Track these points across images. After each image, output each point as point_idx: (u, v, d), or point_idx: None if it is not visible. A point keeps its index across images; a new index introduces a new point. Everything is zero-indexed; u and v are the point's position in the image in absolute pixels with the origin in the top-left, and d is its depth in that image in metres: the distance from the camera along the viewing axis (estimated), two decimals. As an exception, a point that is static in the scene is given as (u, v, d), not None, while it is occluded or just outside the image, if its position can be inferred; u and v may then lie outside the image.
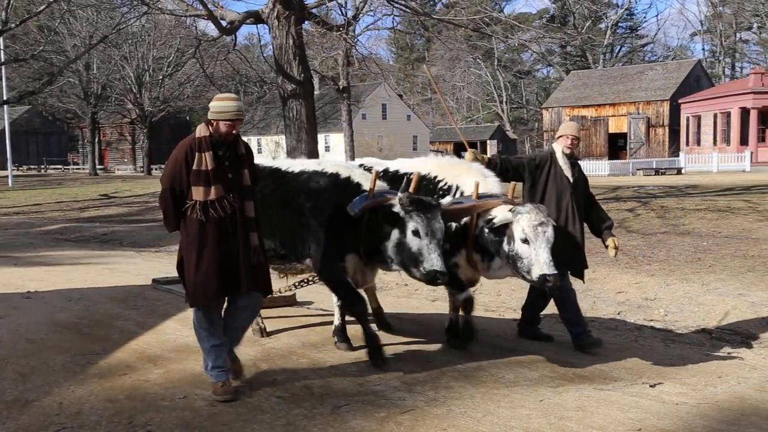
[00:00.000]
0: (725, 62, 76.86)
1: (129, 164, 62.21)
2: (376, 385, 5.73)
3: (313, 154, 18.03)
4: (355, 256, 6.08)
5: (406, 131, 70.76)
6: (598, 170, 46.38)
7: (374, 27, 45.53)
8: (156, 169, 57.58)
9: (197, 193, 4.91)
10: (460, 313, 6.83)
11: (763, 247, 12.96)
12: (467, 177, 6.37)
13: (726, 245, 13.49)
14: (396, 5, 24.02)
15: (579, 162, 7.35)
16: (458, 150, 71.25)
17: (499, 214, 5.91)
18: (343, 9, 30.84)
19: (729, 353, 7.36)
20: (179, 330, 7.48)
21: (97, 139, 58.64)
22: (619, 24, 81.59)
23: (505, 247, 5.94)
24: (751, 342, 8.15)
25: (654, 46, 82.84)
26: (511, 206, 6.01)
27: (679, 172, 43.86)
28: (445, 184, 6.58)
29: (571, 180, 6.93)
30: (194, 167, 4.89)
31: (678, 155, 50.08)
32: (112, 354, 6.51)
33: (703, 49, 79.52)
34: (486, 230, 6.03)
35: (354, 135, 48.16)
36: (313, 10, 19.98)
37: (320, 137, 22.30)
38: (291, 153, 18.06)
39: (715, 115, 49.76)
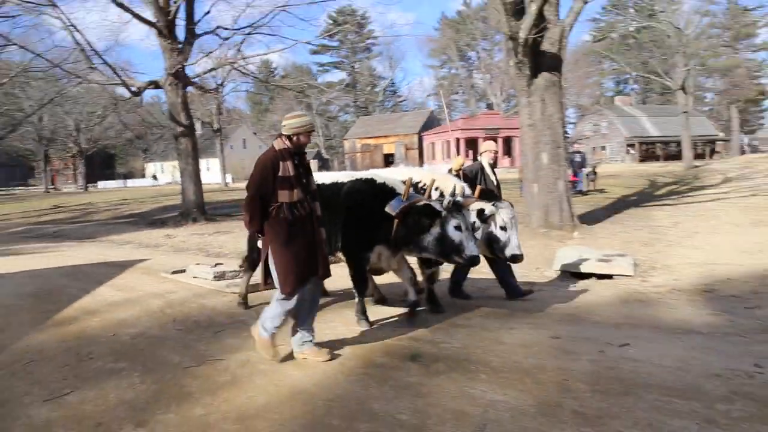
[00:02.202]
0: (446, 111, 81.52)
1: (72, 184, 57.71)
2: (242, 317, 5.45)
3: (197, 174, 17.95)
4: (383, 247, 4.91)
5: (259, 156, 69.72)
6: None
7: (236, 90, 45.16)
8: (91, 188, 54.16)
9: (283, 196, 4.00)
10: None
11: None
12: (447, 182, 5.49)
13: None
14: (248, 76, 24.29)
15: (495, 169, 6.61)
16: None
17: (486, 207, 5.25)
18: (214, 79, 30.63)
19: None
20: (110, 292, 6.94)
21: (48, 168, 54.15)
22: (387, 89, 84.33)
23: (485, 231, 5.31)
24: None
25: (407, 101, 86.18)
26: (480, 202, 5.32)
27: (422, 175, 45.94)
28: (424, 186, 5.29)
29: (495, 182, 6.38)
30: (280, 174, 4.00)
31: (423, 166, 52.58)
32: (63, 311, 6.02)
33: (435, 104, 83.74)
34: (476, 220, 5.19)
35: (225, 160, 47.49)
36: (195, 80, 19.82)
37: (202, 162, 22.02)
38: (182, 173, 17.94)
39: (442, 142, 52.50)
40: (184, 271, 7.91)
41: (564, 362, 3.88)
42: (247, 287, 5.95)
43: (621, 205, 15.61)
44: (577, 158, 19.93)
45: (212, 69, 20.76)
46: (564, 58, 10.71)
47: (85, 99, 47.11)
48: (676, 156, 47.05)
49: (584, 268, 7.34)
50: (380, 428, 3.05)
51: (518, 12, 10.26)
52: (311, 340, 4.22)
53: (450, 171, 6.35)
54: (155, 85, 18.19)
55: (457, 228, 4.51)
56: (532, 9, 9.67)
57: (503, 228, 5.22)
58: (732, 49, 61.50)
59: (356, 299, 5.10)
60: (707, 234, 10.22)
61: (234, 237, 13.63)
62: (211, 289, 6.89)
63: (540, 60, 10.29)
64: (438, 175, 5.72)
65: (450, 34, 73.36)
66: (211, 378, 3.91)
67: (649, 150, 52.72)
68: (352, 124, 74.55)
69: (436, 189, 5.38)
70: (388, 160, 61.81)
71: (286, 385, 3.72)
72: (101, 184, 62.21)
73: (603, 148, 53.70)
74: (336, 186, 5.14)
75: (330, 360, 4.11)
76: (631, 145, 51.63)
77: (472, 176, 6.23)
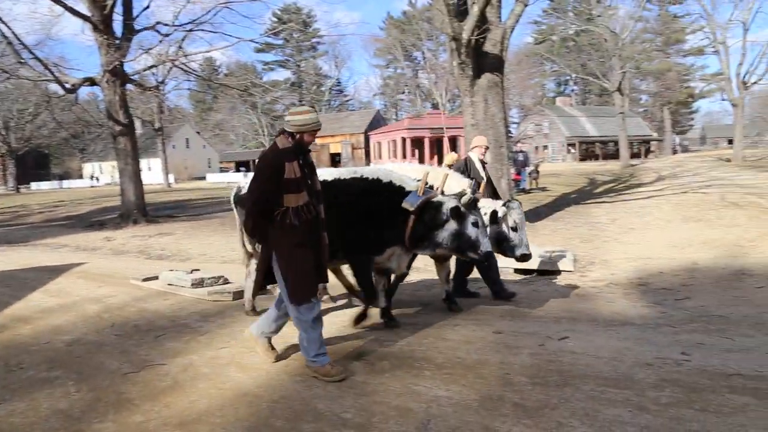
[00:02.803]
0: (392, 111, 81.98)
1: (2, 185, 54.77)
2: (184, 320, 5.34)
3: (137, 174, 17.43)
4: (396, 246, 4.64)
5: (203, 156, 68.01)
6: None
7: (178, 88, 43.98)
8: (24, 189, 51.49)
9: (289, 200, 3.65)
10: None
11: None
12: (451, 180, 4.98)
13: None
14: (190, 74, 23.65)
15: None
16: (238, 167, 70.31)
17: (498, 207, 5.22)
18: (154, 76, 29.73)
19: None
20: (42, 298, 6.64)
21: (-22, 168, 51.51)
22: (333, 88, 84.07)
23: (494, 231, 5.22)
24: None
25: (353, 100, 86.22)
26: (490, 201, 5.38)
27: (369, 174, 46.14)
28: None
29: (484, 177, 6.21)
30: (286, 176, 3.63)
31: (369, 165, 52.76)
32: (-8, 320, 5.63)
33: (381, 103, 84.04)
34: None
35: (168, 160, 46.16)
36: (134, 77, 19.18)
37: (144, 162, 21.30)
38: (122, 173, 17.38)
39: (389, 141, 52.79)
40: (156, 277, 7.30)
41: (506, 356, 3.98)
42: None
43: (562, 202, 16.10)
44: (520, 157, 20.46)
45: (152, 66, 20.15)
46: (506, 59, 10.97)
47: (15, 96, 44.87)
48: (614, 155, 48.90)
49: (526, 265, 7.52)
50: (325, 428, 3.05)
51: (461, 13, 10.43)
52: (269, 338, 4.10)
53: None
54: (91, 82, 17.51)
55: (474, 224, 4.41)
56: (474, 11, 9.85)
57: (514, 228, 5.16)
58: (663, 54, 64.36)
59: (360, 308, 4.80)
60: (642, 230, 10.69)
61: (176, 239, 13.30)
62: (191, 298, 6.38)
63: (482, 61, 10.49)
64: (443, 171, 5.34)
65: (395, 34, 73.85)
66: (152, 383, 3.80)
67: (588, 149, 54.57)
68: (298, 123, 73.74)
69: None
70: (335, 160, 61.65)
71: (230, 388, 3.66)
72: (34, 185, 59.34)
73: (545, 147, 55.28)
74: (339, 183, 4.77)
75: (275, 362, 4.02)
76: (572, 145, 53.31)
77: (461, 171, 6.06)
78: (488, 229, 5.04)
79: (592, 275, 7.49)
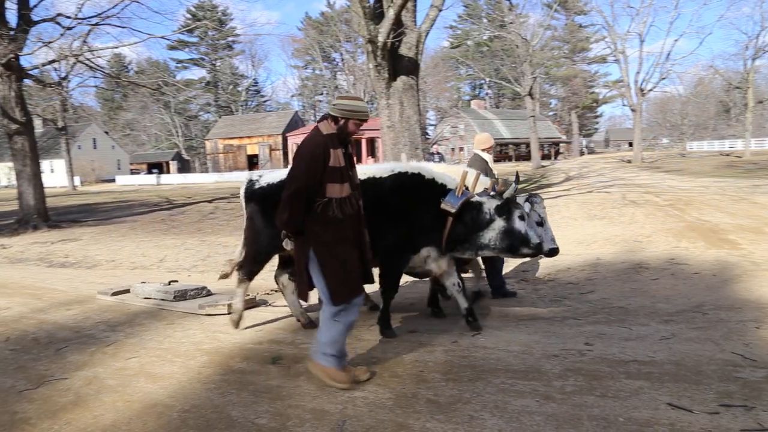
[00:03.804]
0: (311, 112, 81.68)
1: None
2: (89, 330, 5.07)
3: (37, 176, 16.32)
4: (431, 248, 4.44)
5: (113, 157, 64.66)
6: (241, 178, 46.37)
7: (83, 85, 41.56)
8: None
9: (332, 190, 3.36)
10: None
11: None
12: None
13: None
14: (97, 70, 22.39)
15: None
16: (150, 169, 67.47)
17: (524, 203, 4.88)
18: (57, 72, 27.95)
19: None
20: None
21: None
22: (250, 88, 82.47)
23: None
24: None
25: (270, 101, 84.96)
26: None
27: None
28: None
29: (495, 174, 5.83)
30: (330, 164, 3.34)
31: (288, 166, 52.18)
32: None
33: (299, 104, 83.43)
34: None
35: (72, 161, 43.58)
36: (33, 72, 17.96)
37: (46, 163, 19.88)
38: (19, 175, 16.23)
39: (308, 143, 52.57)
40: (127, 291, 6.55)
41: (420, 354, 4.05)
42: (243, 303, 4.92)
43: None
44: (436, 159, 20.85)
45: (53, 61, 18.91)
46: (421, 63, 11.17)
47: None
48: (526, 156, 50.99)
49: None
50: (238, 435, 2.99)
51: (378, 16, 10.53)
52: (343, 355, 3.60)
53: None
54: (-18, 76, 16.23)
55: (521, 218, 4.21)
56: (390, 14, 9.98)
57: (540, 223, 4.87)
58: (570, 61, 68.00)
59: (381, 307, 4.60)
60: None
61: (82, 245, 12.58)
62: (175, 312, 5.76)
63: (398, 64, 10.64)
64: (472, 171, 5.05)
65: (314, 35, 73.49)
66: (51, 400, 3.57)
67: (502, 151, 56.59)
68: (213, 123, 71.92)
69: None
70: (252, 161, 60.53)
71: (138, 399, 3.51)
72: None
73: (461, 149, 56.75)
74: (376, 181, 4.46)
75: (351, 387, 3.48)
76: (487, 147, 55.01)
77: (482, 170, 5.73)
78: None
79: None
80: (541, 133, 47.69)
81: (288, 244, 3.55)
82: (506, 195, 4.23)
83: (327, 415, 3.15)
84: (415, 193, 4.38)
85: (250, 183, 4.93)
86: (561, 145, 64.84)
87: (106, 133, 66.71)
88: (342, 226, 3.40)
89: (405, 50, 10.70)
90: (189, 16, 66.82)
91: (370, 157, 48.91)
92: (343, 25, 65.34)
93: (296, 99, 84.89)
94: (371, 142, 48.72)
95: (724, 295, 5.61)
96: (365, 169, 4.51)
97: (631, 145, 52.89)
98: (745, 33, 64.14)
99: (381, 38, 10.03)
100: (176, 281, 6.75)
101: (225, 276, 5.12)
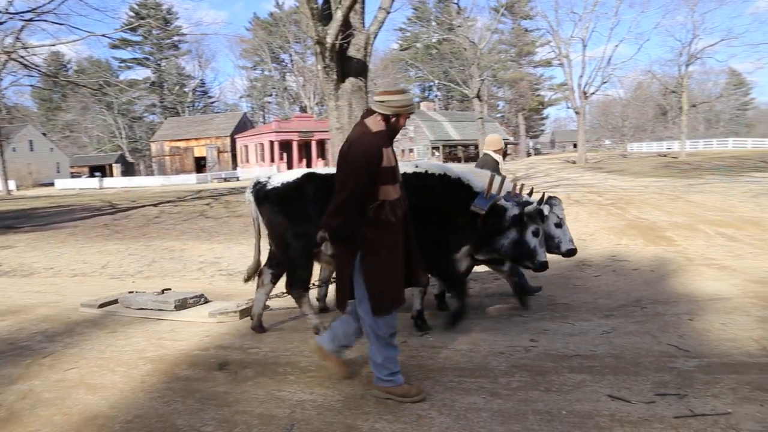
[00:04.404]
0: (260, 114, 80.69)
1: None
2: (25, 341, 4.84)
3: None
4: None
5: (51, 160, 62.09)
6: (189, 181, 45.54)
7: (17, 84, 39.66)
8: None
9: (386, 192, 3.13)
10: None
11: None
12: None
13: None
14: (33, 69, 21.44)
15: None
16: (92, 172, 65.10)
17: (544, 207, 4.82)
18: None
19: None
20: None
21: None
22: (197, 89, 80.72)
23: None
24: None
25: (218, 102, 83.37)
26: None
27: (237, 179, 44.91)
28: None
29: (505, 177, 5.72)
30: (384, 164, 3.11)
31: (236, 169, 51.40)
32: None
33: (248, 105, 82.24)
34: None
35: (6, 164, 41.58)
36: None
37: (-24, 164, 18.85)
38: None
39: (256, 145, 51.76)
40: (115, 301, 6.09)
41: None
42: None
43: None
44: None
45: (-18, 59, 18.07)
46: (370, 64, 11.20)
47: None
48: (474, 158, 51.66)
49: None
50: (183, 444, 2.93)
51: (326, 17, 10.48)
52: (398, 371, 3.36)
53: None
54: None
55: (535, 234, 4.29)
56: (338, 16, 9.96)
57: (558, 225, 4.89)
58: (517, 64, 69.49)
59: (456, 304, 4.60)
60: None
61: (18, 252, 12.03)
62: (120, 319, 5.54)
63: (347, 65, 10.63)
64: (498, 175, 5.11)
65: (263, 36, 72.57)
66: (-19, 416, 3.40)
67: (451, 152, 57.29)
68: (159, 125, 70.04)
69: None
70: (200, 164, 59.34)
71: (78, 412, 3.38)
72: None
73: (411, 150, 57.14)
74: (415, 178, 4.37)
75: (424, 399, 3.29)
76: (436, 148, 55.62)
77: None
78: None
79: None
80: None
81: (328, 249, 3.33)
82: (527, 210, 4.28)
83: (275, 420, 3.12)
84: (448, 194, 4.39)
85: (261, 185, 4.68)
86: (508, 146, 66.20)
87: (44, 134, 64.01)
88: (394, 230, 3.19)
89: (353, 52, 10.69)
90: (132, 13, 64.97)
91: (319, 159, 48.69)
92: (292, 26, 64.87)
93: (245, 100, 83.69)
94: (320, 144, 48.51)
95: (661, 290, 5.85)
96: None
97: (575, 146, 54.51)
98: (679, 40, 67.12)
99: (329, 40, 10.00)
100: (169, 289, 6.38)
101: (248, 280, 4.93)
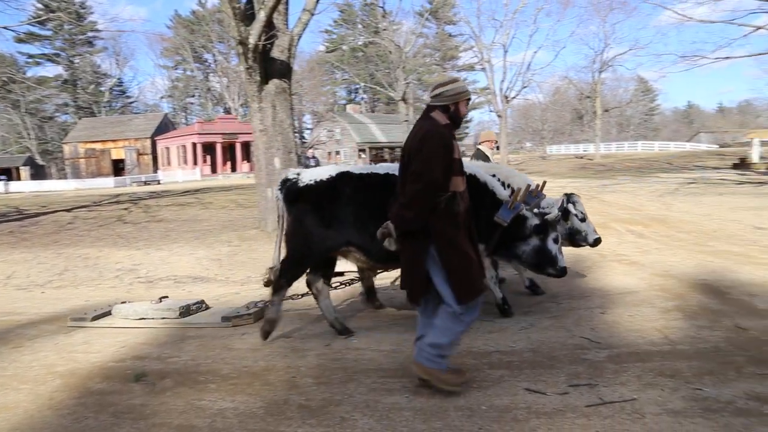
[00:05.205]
0: (182, 115, 78.13)
1: None
2: None
3: None
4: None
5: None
6: (106, 184, 43.41)
7: None
8: None
9: (456, 183, 3.18)
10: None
11: (204, 225, 12.97)
12: (516, 178, 5.13)
13: (184, 226, 13.13)
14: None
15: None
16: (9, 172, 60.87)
17: (567, 204, 5.18)
18: None
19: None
20: None
21: None
22: (114, 88, 77.11)
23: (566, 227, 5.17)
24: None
25: (137, 103, 79.91)
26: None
27: (158, 182, 43.33)
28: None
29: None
30: (455, 155, 3.17)
31: (157, 172, 49.52)
32: None
33: (169, 106, 79.44)
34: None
35: None
36: None
37: None
38: None
39: (178, 147, 50.12)
40: (109, 313, 5.65)
41: (292, 360, 4.02)
42: (280, 311, 4.56)
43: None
44: (312, 163, 20.86)
45: None
46: (294, 66, 11.10)
47: None
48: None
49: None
50: (95, 461, 2.78)
51: (249, 18, 10.30)
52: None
53: None
54: None
55: (555, 240, 4.37)
56: (261, 16, 9.81)
57: (582, 219, 5.13)
58: (441, 68, 70.85)
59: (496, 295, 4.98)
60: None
61: None
62: (24, 334, 5.15)
63: (270, 67, 10.49)
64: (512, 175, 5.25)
65: (184, 34, 70.32)
66: None
67: (378, 154, 57.65)
68: (73, 126, 66.32)
69: (508, 186, 4.95)
70: (118, 167, 56.76)
71: (-24, 434, 3.15)
72: None
73: (337, 152, 57.06)
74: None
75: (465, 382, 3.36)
76: (363, 150, 55.84)
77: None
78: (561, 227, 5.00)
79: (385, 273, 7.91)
80: (415, 137, 49.14)
81: (391, 245, 3.27)
82: (548, 218, 4.37)
83: (194, 431, 3.03)
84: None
85: (291, 182, 4.49)
86: (435, 148, 67.24)
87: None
88: (462, 220, 3.24)
89: (277, 53, 10.56)
90: (41, 5, 61.24)
91: (245, 161, 47.76)
92: (215, 25, 63.17)
93: (166, 101, 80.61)
94: (245, 146, 47.57)
95: (575, 285, 6.13)
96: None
97: (498, 148, 56.17)
98: (592, 48, 70.57)
99: (252, 40, 9.82)
100: (166, 297, 5.98)
101: (268, 284, 4.65)
